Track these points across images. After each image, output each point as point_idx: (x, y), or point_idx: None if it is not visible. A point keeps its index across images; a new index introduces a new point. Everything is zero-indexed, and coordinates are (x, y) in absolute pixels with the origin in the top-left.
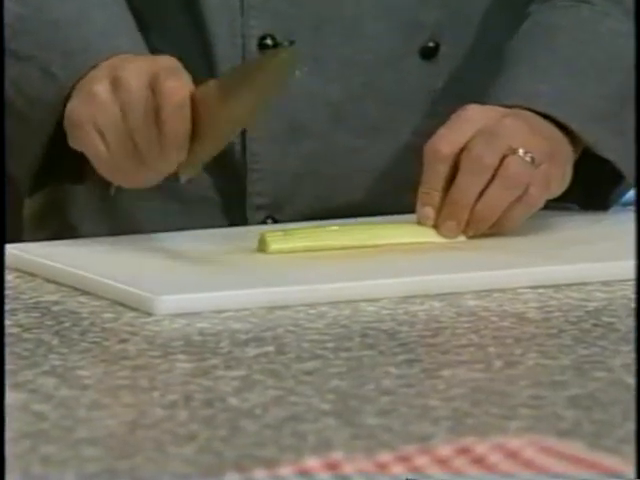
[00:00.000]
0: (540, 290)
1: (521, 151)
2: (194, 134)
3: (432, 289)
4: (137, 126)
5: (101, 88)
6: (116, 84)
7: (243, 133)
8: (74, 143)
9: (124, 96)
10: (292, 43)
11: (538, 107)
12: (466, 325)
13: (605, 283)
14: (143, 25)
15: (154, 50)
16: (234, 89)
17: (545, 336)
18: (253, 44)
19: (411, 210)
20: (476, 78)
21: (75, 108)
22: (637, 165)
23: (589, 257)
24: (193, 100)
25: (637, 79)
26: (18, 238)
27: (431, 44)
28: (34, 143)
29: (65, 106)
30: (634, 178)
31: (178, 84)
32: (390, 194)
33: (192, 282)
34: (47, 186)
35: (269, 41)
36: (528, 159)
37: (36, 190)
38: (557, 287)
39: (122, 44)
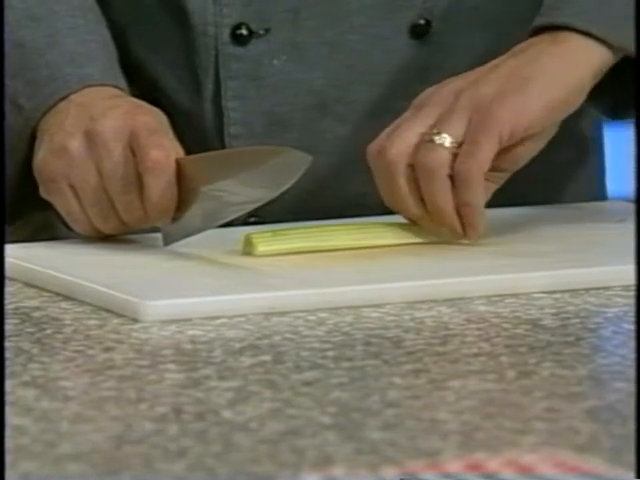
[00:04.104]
0: (556, 295)
1: (439, 138)
2: (180, 198)
3: (440, 294)
4: (116, 192)
5: (75, 144)
6: (91, 140)
7: (221, 130)
8: (45, 195)
9: (101, 154)
10: (267, 31)
11: (558, 19)
12: (477, 332)
13: (626, 288)
14: (119, 18)
15: (130, 43)
16: (222, 177)
17: (561, 344)
18: (226, 34)
19: None
20: (470, 56)
21: (47, 162)
22: (637, 164)
23: (609, 260)
24: (178, 165)
25: (637, 79)
26: None
27: (421, 21)
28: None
29: (33, 134)
30: (634, 179)
31: (162, 154)
32: None
33: (182, 286)
34: (23, 214)
35: (243, 31)
36: (444, 142)
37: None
38: (574, 292)
39: (93, 72)
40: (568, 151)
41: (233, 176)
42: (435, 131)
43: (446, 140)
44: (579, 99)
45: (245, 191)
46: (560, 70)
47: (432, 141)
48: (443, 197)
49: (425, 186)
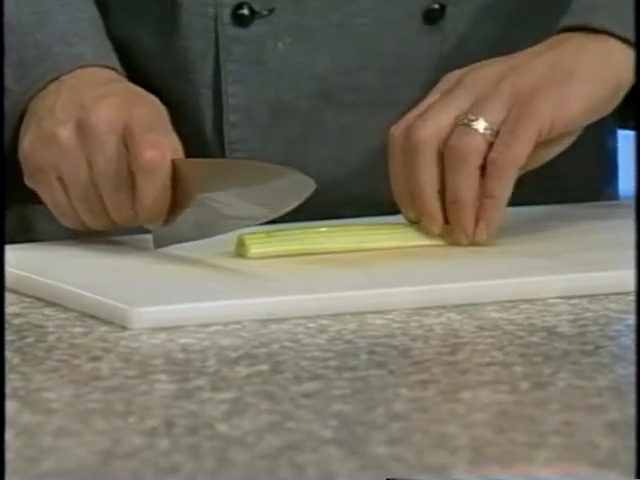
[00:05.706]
0: (574, 300)
1: (475, 122)
2: (174, 200)
3: (450, 299)
4: (107, 189)
5: (65, 133)
6: (83, 131)
7: (219, 118)
8: (31, 184)
9: (92, 147)
10: (272, 12)
11: (595, 22)
12: (489, 341)
13: None
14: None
15: (116, 26)
16: (220, 187)
17: (579, 353)
18: (227, 14)
19: None
20: (485, 43)
21: (35, 149)
22: (637, 161)
23: (629, 262)
24: (175, 166)
25: (637, 81)
26: None
27: (435, 6)
28: None
29: (21, 117)
30: (634, 179)
31: (157, 154)
32: (388, 179)
33: (174, 291)
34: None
35: (245, 11)
36: (479, 127)
37: None
38: (593, 297)
39: (85, 51)
40: (579, 150)
41: (230, 188)
42: (471, 116)
43: (481, 125)
44: (616, 100)
45: (241, 205)
46: (600, 68)
47: (467, 125)
48: (467, 187)
49: (451, 172)
